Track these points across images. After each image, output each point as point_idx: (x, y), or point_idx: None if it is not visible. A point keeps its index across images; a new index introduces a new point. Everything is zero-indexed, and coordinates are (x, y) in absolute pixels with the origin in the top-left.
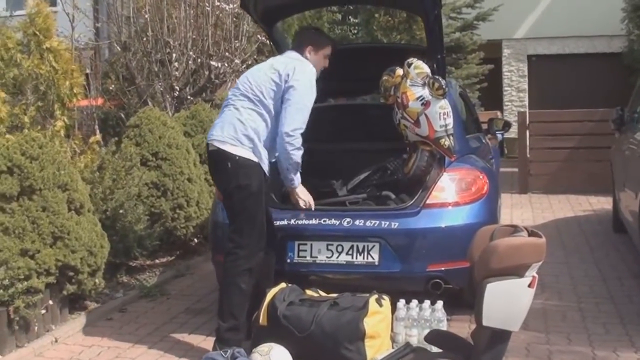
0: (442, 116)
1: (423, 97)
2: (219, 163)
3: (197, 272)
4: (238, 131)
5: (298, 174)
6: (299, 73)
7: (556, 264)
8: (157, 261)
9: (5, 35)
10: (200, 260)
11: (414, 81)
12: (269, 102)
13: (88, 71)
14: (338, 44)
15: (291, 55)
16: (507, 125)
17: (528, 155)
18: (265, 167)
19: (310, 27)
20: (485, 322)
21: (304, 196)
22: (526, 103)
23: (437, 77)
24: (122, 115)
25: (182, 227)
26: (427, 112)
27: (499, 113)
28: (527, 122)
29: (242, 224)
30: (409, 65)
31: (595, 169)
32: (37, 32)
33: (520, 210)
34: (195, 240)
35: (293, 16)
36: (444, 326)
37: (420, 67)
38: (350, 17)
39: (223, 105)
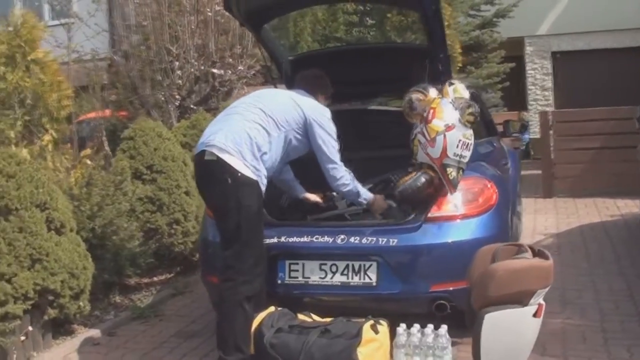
0: (461, 145)
1: (450, 120)
2: (216, 175)
3: (196, 289)
4: (244, 144)
5: (363, 194)
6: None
7: (579, 276)
8: (155, 279)
9: None
10: (200, 277)
11: (448, 101)
12: (283, 128)
13: (106, 82)
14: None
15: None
16: (523, 127)
17: (552, 157)
18: (264, 187)
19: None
20: (483, 359)
21: (380, 208)
22: (551, 102)
23: (474, 103)
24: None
25: (179, 242)
26: (447, 133)
27: (525, 113)
28: (550, 123)
29: (240, 247)
30: (450, 84)
31: (623, 169)
32: (23, 44)
33: (545, 215)
34: (197, 255)
35: (305, 20)
36: (448, 353)
37: (459, 91)
38: (367, 18)
39: (227, 112)
